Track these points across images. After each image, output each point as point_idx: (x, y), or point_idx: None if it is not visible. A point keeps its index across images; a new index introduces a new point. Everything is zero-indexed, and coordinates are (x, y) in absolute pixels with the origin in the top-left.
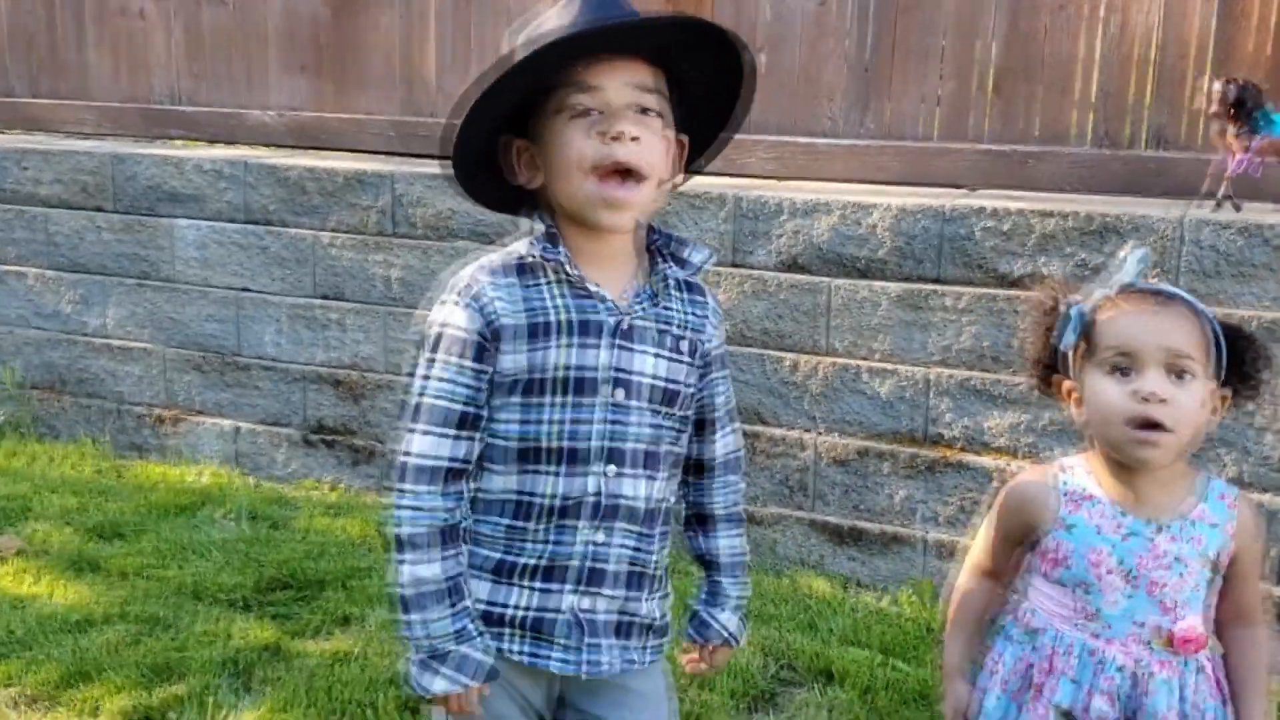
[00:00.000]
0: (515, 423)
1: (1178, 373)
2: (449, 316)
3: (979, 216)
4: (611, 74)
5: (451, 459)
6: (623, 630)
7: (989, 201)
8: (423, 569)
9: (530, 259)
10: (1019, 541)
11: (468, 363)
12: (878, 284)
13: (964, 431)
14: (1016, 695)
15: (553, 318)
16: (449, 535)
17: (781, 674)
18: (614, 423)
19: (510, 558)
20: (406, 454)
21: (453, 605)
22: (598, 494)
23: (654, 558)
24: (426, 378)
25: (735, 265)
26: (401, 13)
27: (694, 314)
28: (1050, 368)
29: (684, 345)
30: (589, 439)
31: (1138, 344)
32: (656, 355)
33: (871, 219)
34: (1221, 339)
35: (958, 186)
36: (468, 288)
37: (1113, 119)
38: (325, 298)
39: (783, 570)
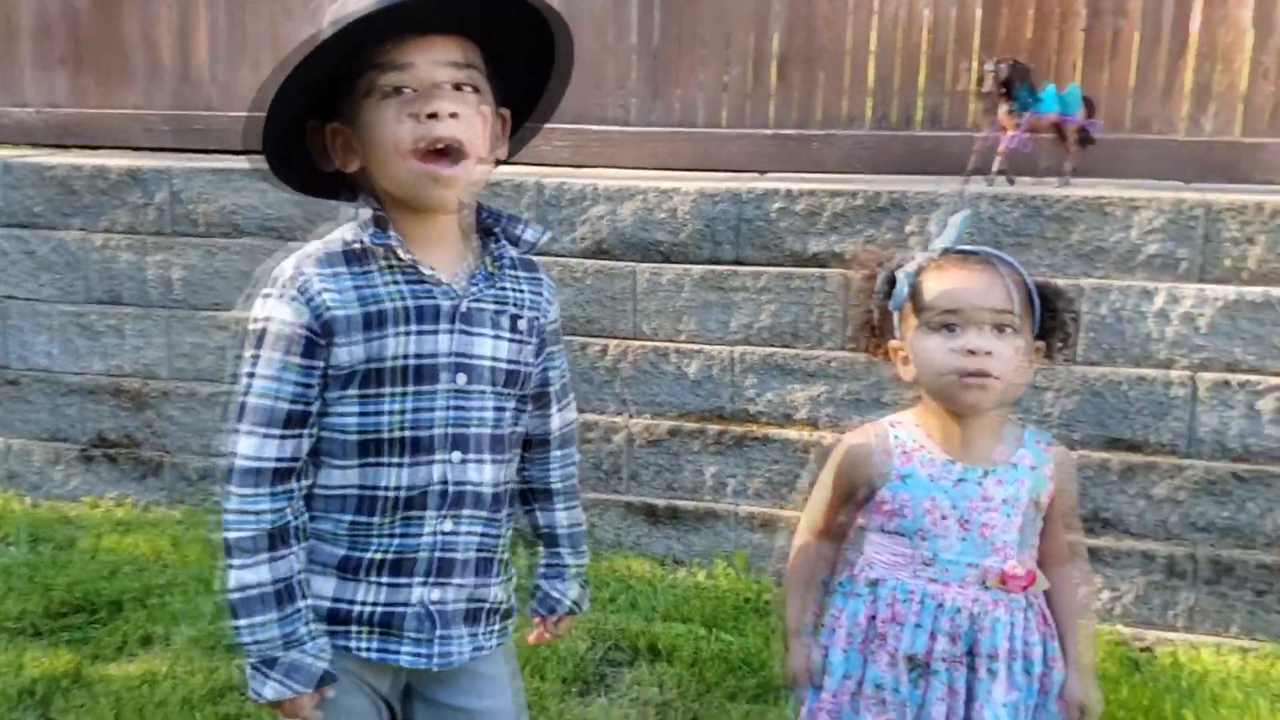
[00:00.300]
0: (354, 415)
1: (999, 327)
2: (272, 311)
3: (774, 199)
4: (422, 51)
5: (279, 459)
6: (472, 617)
7: (784, 184)
8: (249, 574)
9: (358, 245)
10: (857, 499)
11: (294, 359)
12: (681, 267)
13: (769, 406)
14: (861, 647)
15: (388, 305)
16: (278, 538)
17: (610, 655)
18: (457, 409)
19: (356, 553)
20: (233, 456)
21: (281, 610)
22: (444, 482)
23: (501, 541)
24: (251, 375)
25: (541, 253)
26: (169, 2)
27: (531, 292)
28: (876, 331)
29: (522, 324)
30: (432, 427)
31: (962, 303)
32: (496, 337)
33: (673, 203)
34: (1037, 296)
35: (749, 171)
36: (292, 279)
37: (890, 101)
38: (101, 303)
39: (602, 553)
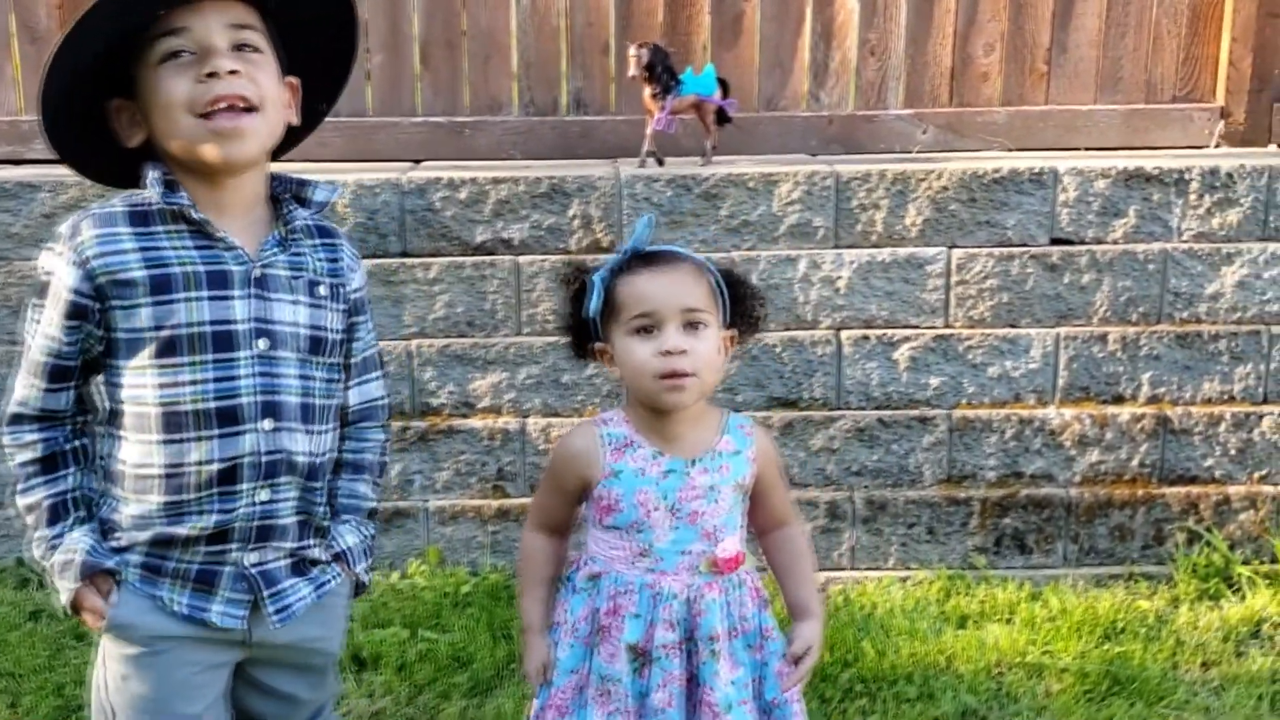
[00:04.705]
0: (152, 387)
1: (692, 324)
2: (53, 266)
3: (436, 187)
4: (199, 14)
5: (43, 409)
6: (298, 569)
7: (443, 172)
8: (27, 497)
9: (145, 207)
10: (576, 496)
11: (63, 318)
12: None
13: (450, 397)
14: (587, 640)
15: (176, 270)
16: (49, 463)
17: None
18: (264, 375)
19: (169, 529)
20: (11, 396)
21: (54, 522)
22: (255, 453)
23: (323, 509)
24: (36, 323)
25: None
26: None
27: (328, 258)
28: (582, 335)
29: (323, 290)
30: (238, 396)
31: (655, 305)
32: (295, 303)
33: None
34: (724, 287)
35: (402, 160)
36: (69, 238)
37: (537, 86)
38: None
39: None
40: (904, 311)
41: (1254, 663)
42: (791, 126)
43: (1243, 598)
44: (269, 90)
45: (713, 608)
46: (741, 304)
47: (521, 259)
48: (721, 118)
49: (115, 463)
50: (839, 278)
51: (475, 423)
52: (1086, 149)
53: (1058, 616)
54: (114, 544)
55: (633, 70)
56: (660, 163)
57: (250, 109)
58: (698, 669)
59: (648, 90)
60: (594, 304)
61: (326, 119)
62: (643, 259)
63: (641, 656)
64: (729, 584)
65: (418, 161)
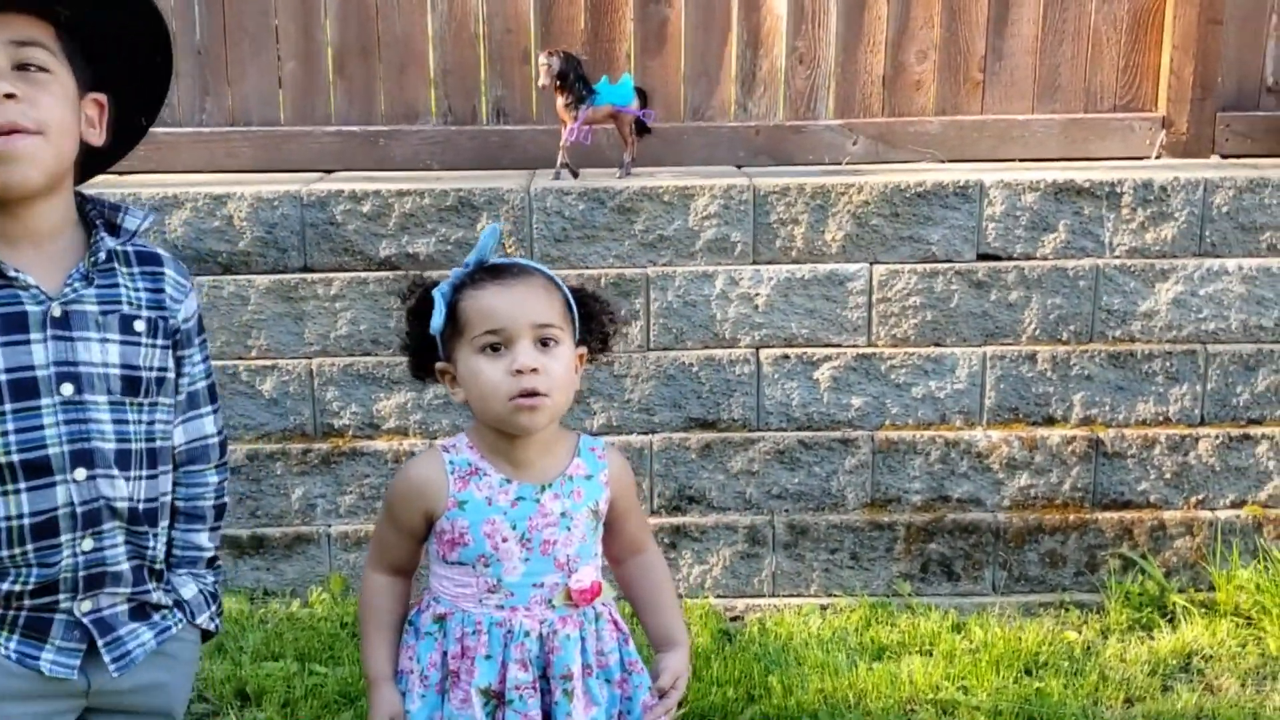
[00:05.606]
0: None
1: (544, 341)
2: None
3: (338, 200)
4: None
5: None
6: (139, 614)
7: (346, 184)
8: None
9: None
10: (420, 532)
11: None
12: (244, 278)
13: (354, 418)
14: (439, 687)
15: None
16: None
17: (194, 708)
18: (72, 422)
19: None
20: None
21: None
22: (70, 503)
23: (159, 553)
24: None
25: None
26: None
27: (149, 287)
28: (426, 353)
29: (139, 325)
30: (44, 446)
31: (504, 320)
32: (104, 340)
33: (227, 210)
34: (575, 303)
35: (315, 170)
36: None
37: (455, 95)
38: None
39: None
40: (825, 330)
41: (1179, 699)
42: (718, 137)
43: (1175, 628)
44: (52, 114)
45: (567, 644)
46: (594, 320)
47: (428, 274)
48: (640, 128)
49: None
50: (758, 294)
51: (380, 444)
52: (1023, 160)
53: (979, 649)
54: None
55: (543, 79)
56: (575, 175)
57: (28, 133)
58: (549, 709)
59: (560, 100)
60: (437, 320)
61: (234, 128)
62: (490, 271)
63: (495, 699)
64: (585, 617)
65: (329, 171)
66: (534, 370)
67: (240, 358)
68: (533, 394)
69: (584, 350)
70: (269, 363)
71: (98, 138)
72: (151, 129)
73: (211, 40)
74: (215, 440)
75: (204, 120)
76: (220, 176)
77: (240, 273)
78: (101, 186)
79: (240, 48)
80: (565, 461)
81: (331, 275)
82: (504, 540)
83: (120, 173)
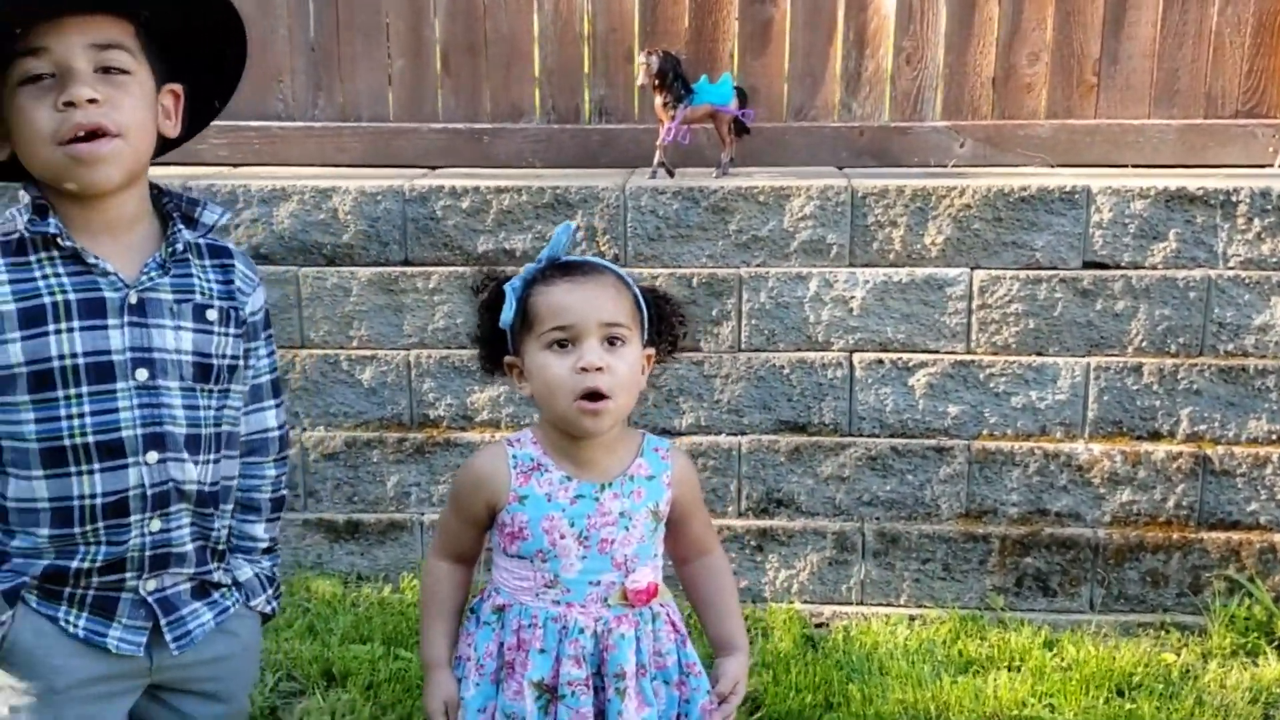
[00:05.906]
0: (30, 422)
1: (612, 340)
2: None
3: (439, 196)
4: (60, 34)
5: None
6: (200, 592)
7: (448, 180)
8: None
9: (15, 235)
10: (482, 523)
11: None
12: (347, 269)
13: (449, 410)
14: (494, 677)
15: (46, 300)
16: None
17: (282, 686)
18: (146, 406)
19: (61, 563)
20: None
21: None
22: (142, 485)
23: (225, 534)
24: None
25: None
26: None
27: (220, 279)
28: (496, 347)
29: (212, 314)
30: (119, 429)
31: (573, 318)
32: (178, 328)
33: (333, 203)
34: (645, 303)
35: (420, 166)
36: None
37: (559, 93)
38: None
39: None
40: (922, 335)
41: None
42: (821, 137)
43: None
44: (132, 115)
45: (622, 643)
46: (664, 321)
47: (501, 269)
48: (739, 128)
49: (5, 500)
50: (853, 298)
51: (473, 436)
52: (1138, 166)
53: (1070, 666)
54: (6, 574)
55: (642, 78)
56: (670, 174)
57: (112, 136)
58: (604, 706)
59: (658, 99)
60: (507, 314)
61: (345, 124)
62: (561, 268)
63: (548, 693)
64: (642, 617)
65: (434, 168)
66: (599, 369)
67: (342, 347)
68: (597, 396)
69: (652, 351)
70: (369, 353)
71: (173, 129)
72: (265, 123)
73: (325, 37)
74: (276, 434)
75: (316, 115)
76: (326, 170)
77: (343, 265)
78: (214, 177)
79: (352, 45)
80: (628, 461)
81: (430, 269)
82: (562, 537)
83: (232, 165)
